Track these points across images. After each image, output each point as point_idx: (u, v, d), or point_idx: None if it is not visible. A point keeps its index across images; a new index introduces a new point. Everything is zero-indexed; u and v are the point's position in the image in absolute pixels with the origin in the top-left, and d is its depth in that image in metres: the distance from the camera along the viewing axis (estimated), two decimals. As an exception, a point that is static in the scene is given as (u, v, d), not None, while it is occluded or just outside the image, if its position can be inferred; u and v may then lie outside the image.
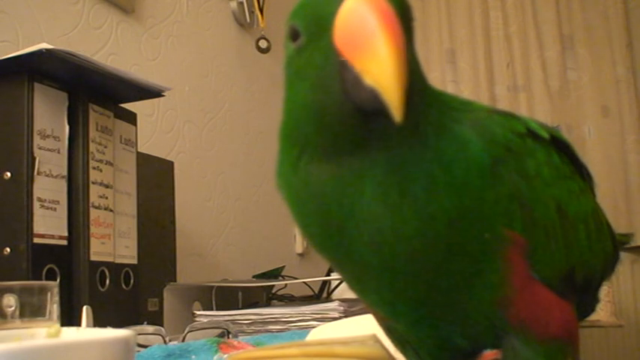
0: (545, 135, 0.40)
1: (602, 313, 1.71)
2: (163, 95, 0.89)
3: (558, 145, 0.41)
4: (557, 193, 0.39)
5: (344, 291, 1.07)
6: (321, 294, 1.15)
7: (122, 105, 0.85)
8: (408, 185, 0.31)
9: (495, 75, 2.24)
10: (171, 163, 1.16)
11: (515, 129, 0.37)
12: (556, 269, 0.38)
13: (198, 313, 0.94)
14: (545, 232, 0.37)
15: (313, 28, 0.31)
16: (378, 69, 0.28)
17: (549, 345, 0.37)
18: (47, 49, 0.69)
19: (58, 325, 0.41)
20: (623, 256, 2.24)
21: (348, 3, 0.29)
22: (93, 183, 0.76)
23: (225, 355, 0.62)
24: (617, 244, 0.49)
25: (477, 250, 0.34)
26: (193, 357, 0.63)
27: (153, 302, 0.99)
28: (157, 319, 0.94)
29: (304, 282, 1.10)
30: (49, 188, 0.71)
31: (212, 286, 1.02)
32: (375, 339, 0.44)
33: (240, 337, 0.78)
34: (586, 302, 0.45)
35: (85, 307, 0.63)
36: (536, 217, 0.36)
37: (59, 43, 0.76)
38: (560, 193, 0.39)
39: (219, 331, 0.81)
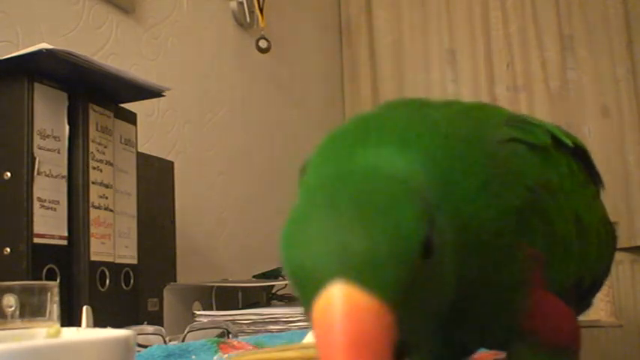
0: (570, 143, 0.39)
1: (602, 313, 1.71)
2: (163, 95, 0.89)
3: (574, 151, 0.41)
4: (575, 204, 0.39)
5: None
6: (321, 294, 1.15)
7: (122, 105, 0.85)
8: None
9: (495, 75, 2.24)
10: (172, 163, 1.15)
11: (541, 140, 0.37)
12: (569, 278, 0.39)
13: (198, 313, 0.94)
14: (563, 245, 0.37)
15: (299, 289, 0.28)
16: None
17: (557, 354, 0.37)
18: (47, 49, 0.69)
19: (58, 325, 0.41)
20: (623, 256, 2.24)
21: (325, 297, 0.25)
22: (93, 183, 0.76)
23: (226, 355, 0.62)
24: (616, 244, 0.49)
25: (503, 268, 0.34)
26: (193, 357, 0.63)
27: (153, 302, 0.98)
28: (157, 319, 0.94)
29: (304, 282, 1.09)
30: (49, 188, 0.71)
31: (212, 286, 1.02)
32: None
33: (240, 337, 0.78)
34: (583, 304, 0.46)
35: (85, 307, 0.63)
36: (556, 231, 0.37)
37: (59, 43, 0.76)
38: (578, 203, 0.39)
39: (219, 331, 0.81)
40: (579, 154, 0.42)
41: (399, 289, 0.25)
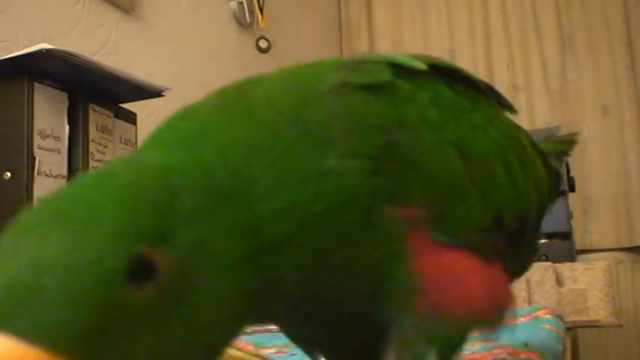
0: (422, 66, 0.33)
1: (602, 313, 1.71)
2: (163, 95, 0.89)
3: (448, 74, 0.35)
4: (455, 136, 0.32)
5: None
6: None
7: (122, 105, 0.85)
8: None
9: (495, 75, 2.24)
10: (171, 163, 1.15)
11: (379, 77, 0.31)
12: (473, 224, 0.32)
13: (198, 312, 0.93)
14: (449, 188, 0.31)
15: None
16: None
17: (462, 326, 0.31)
18: (47, 49, 0.69)
19: (57, 325, 0.41)
20: (623, 256, 2.24)
21: None
22: (93, 183, 0.76)
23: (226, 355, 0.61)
24: (551, 165, 0.43)
25: (363, 247, 0.28)
26: (193, 357, 0.62)
27: (153, 302, 0.99)
28: (156, 318, 0.94)
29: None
30: (49, 188, 0.71)
31: (212, 286, 1.02)
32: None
33: (239, 337, 0.78)
34: (527, 244, 0.40)
35: (84, 307, 0.63)
36: (433, 175, 0.30)
37: (59, 43, 0.76)
38: (459, 133, 0.33)
39: (219, 330, 0.81)
40: (453, 75, 0.35)
41: (80, 335, 0.19)
